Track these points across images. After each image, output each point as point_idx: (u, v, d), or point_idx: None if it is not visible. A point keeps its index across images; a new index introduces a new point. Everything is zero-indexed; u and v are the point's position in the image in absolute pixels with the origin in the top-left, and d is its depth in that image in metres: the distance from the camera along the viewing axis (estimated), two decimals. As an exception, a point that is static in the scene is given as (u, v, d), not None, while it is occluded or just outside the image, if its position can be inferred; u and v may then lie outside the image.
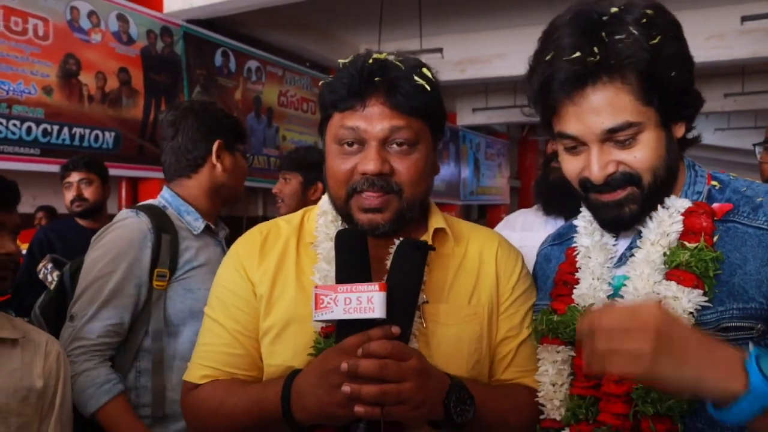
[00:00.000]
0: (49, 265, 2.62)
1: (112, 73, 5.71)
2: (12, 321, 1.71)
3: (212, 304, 1.41)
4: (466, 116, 13.14)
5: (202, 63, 6.86)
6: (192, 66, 6.68)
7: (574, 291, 1.27)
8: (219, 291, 1.40)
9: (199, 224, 2.01)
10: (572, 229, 1.37)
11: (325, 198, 1.41)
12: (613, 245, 1.28)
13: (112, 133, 5.70)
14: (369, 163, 1.25)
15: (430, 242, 1.34)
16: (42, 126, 5.06)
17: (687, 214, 1.18)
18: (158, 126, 6.15)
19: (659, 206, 1.20)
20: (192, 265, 1.95)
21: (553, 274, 1.37)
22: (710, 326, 1.10)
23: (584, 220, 1.31)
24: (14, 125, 4.85)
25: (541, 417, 1.29)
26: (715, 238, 1.15)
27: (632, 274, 1.19)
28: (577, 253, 1.31)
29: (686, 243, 1.15)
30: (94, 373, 1.85)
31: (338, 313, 1.13)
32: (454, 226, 1.44)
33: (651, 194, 1.18)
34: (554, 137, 1.23)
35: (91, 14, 5.52)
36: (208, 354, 1.36)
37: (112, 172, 5.67)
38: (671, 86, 1.14)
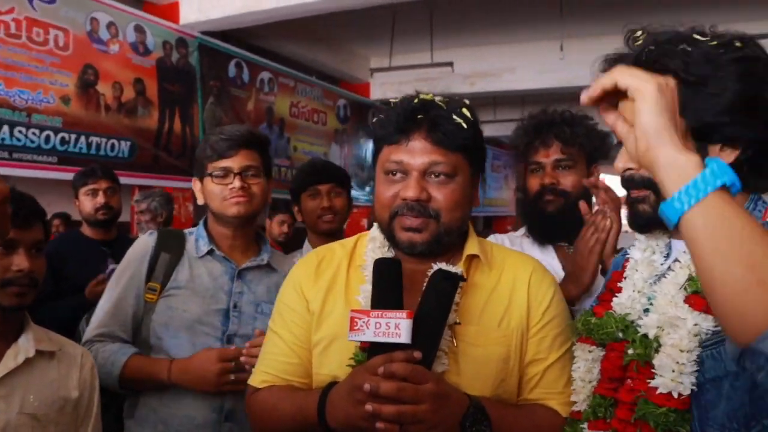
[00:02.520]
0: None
1: (128, 83, 5.79)
2: (49, 334, 1.77)
3: (274, 318, 1.58)
4: (473, 128, 13.17)
5: (216, 74, 6.93)
6: (206, 77, 6.76)
7: (614, 299, 1.34)
8: (280, 307, 1.57)
9: (202, 248, 2.05)
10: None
11: (375, 225, 1.56)
12: (661, 264, 1.32)
13: (128, 143, 5.77)
14: (409, 190, 1.41)
15: (463, 267, 1.45)
16: (60, 135, 5.13)
17: None
18: (172, 136, 6.29)
19: None
20: (178, 285, 2.00)
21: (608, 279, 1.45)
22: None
23: (642, 236, 1.37)
24: (33, 134, 4.92)
25: (572, 409, 1.38)
26: None
27: (659, 293, 1.25)
28: (628, 265, 1.38)
29: None
30: (107, 347, 1.96)
31: (369, 335, 1.26)
32: (490, 253, 1.55)
33: None
34: None
35: (110, 25, 5.60)
36: (268, 362, 1.52)
37: (127, 180, 5.76)
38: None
